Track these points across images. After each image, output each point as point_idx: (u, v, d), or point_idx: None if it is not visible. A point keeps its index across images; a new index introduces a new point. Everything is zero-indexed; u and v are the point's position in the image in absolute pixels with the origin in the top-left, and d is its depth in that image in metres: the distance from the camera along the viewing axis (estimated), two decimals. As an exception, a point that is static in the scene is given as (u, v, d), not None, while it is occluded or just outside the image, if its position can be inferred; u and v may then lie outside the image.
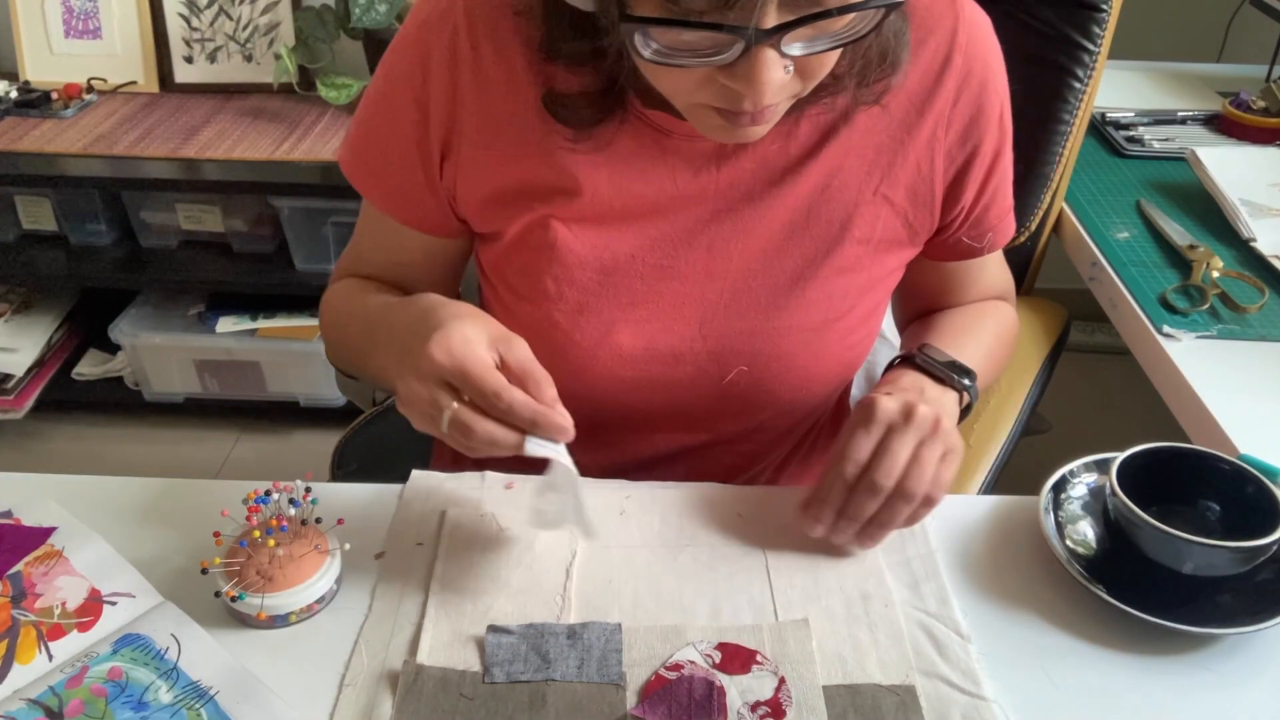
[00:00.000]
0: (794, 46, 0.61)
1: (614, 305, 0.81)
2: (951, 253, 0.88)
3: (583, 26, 0.68)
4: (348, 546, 0.72)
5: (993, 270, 0.95)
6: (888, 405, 0.74)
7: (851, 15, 0.61)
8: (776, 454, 0.96)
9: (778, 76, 0.63)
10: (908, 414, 0.73)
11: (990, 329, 0.93)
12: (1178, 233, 1.20)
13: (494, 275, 0.86)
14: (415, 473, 0.82)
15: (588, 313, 0.81)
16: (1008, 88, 0.82)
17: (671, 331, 0.82)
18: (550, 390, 0.68)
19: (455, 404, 0.65)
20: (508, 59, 0.76)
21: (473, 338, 0.67)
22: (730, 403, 0.85)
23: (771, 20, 0.58)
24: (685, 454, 0.91)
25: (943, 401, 0.79)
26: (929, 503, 0.72)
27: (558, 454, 0.67)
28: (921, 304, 0.95)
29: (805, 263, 0.81)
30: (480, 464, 0.95)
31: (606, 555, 0.75)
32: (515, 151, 0.78)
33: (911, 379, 0.80)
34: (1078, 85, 1.18)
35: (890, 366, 0.84)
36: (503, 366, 0.67)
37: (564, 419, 0.67)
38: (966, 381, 0.81)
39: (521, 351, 0.68)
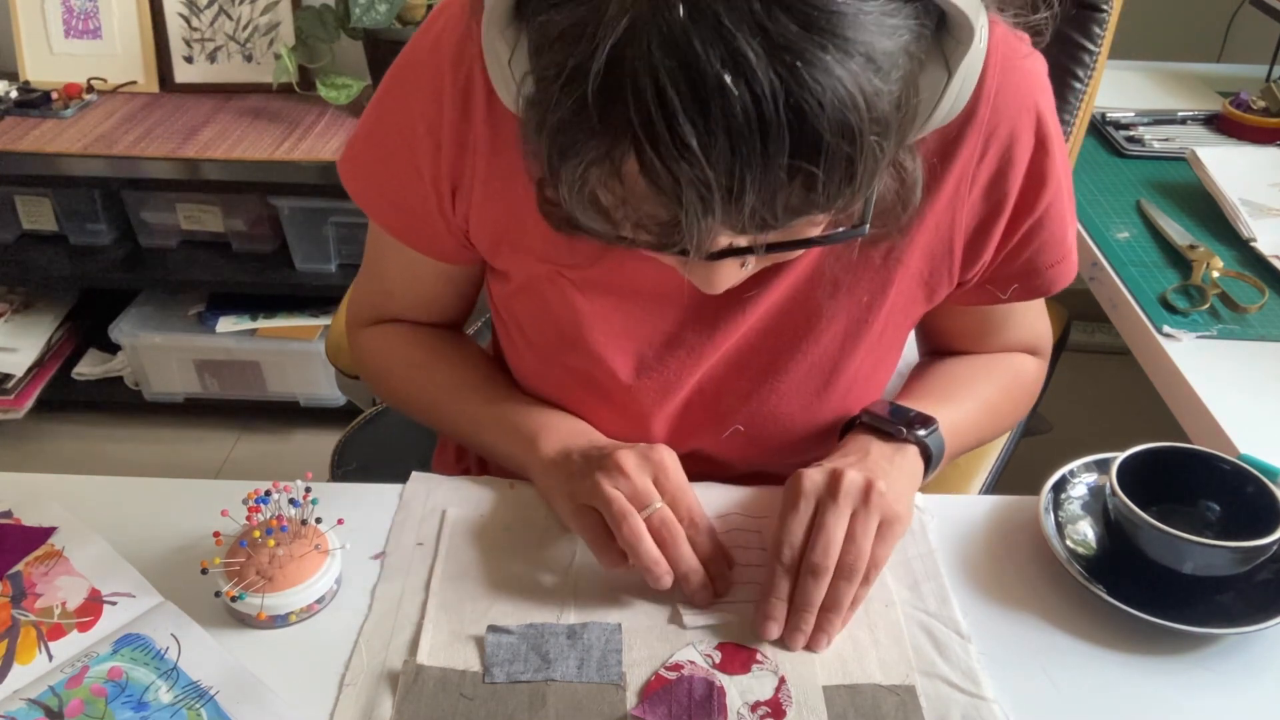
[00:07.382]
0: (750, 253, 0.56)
1: (623, 361, 0.80)
2: (971, 299, 0.83)
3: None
4: (348, 546, 0.72)
5: (1021, 320, 0.88)
6: (813, 478, 0.71)
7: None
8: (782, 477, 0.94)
9: (732, 275, 0.61)
10: (834, 484, 0.69)
11: (996, 381, 0.88)
12: (1178, 233, 1.20)
13: (504, 312, 0.84)
14: (415, 473, 0.82)
15: (601, 365, 0.80)
16: (1058, 133, 0.75)
17: (678, 386, 0.81)
18: None
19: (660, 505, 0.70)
20: None
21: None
22: (731, 452, 0.85)
23: (721, 244, 0.54)
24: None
25: (894, 461, 0.74)
26: (867, 581, 0.68)
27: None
28: (937, 345, 0.91)
29: (802, 330, 0.79)
30: (481, 467, 0.95)
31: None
32: (527, 206, 0.68)
33: (858, 442, 0.76)
34: (1078, 85, 1.18)
35: (845, 429, 0.81)
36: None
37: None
38: (921, 431, 0.76)
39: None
